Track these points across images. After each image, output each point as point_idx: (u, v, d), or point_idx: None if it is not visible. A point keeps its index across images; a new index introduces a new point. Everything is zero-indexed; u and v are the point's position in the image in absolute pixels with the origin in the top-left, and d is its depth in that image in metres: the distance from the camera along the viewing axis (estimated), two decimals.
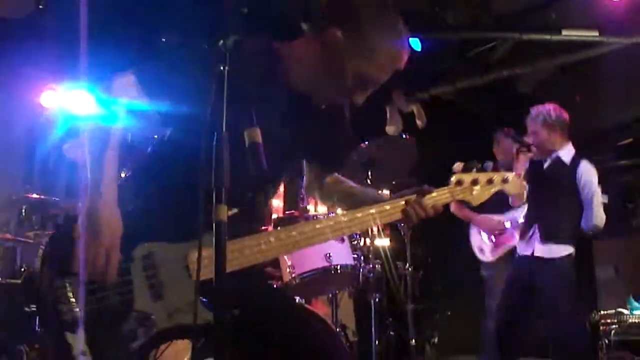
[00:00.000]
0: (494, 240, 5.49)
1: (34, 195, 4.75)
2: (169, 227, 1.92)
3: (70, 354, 1.85)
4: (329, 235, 2.02)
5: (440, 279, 5.72)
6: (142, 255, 1.90)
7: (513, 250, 5.37)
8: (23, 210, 4.72)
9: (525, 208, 5.38)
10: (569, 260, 4.29)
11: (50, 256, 1.94)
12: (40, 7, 5.15)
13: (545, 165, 4.40)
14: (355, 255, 4.01)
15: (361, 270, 4.01)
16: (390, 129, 4.42)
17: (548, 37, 5.87)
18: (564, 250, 4.28)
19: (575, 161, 4.34)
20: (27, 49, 5.42)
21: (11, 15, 5.25)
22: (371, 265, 4.13)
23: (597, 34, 5.87)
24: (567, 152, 4.38)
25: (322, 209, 4.39)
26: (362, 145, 4.19)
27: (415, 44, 5.91)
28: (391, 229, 5.16)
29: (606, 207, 4.37)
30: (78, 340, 1.85)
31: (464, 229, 5.59)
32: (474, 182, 2.15)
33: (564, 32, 5.85)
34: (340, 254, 3.84)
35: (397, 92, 5.20)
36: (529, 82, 6.53)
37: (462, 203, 4.87)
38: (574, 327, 4.23)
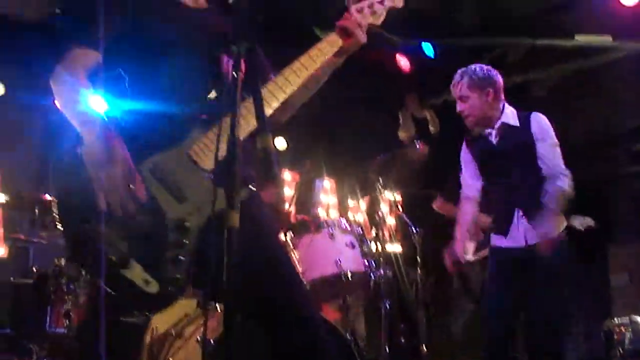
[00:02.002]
0: (477, 239, 5.39)
1: (47, 196, 4.76)
2: (158, 141, 2.01)
3: (135, 288, 1.89)
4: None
5: (451, 285, 5.68)
6: (149, 170, 1.97)
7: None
8: (36, 211, 4.72)
9: None
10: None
11: (67, 210, 1.95)
12: (58, 11, 5.18)
13: (493, 139, 3.75)
14: (366, 261, 4.00)
15: (372, 276, 3.99)
16: (403, 135, 4.41)
17: (561, 42, 5.84)
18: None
19: (524, 118, 3.72)
20: (44, 50, 5.45)
21: (28, 16, 5.29)
22: (382, 271, 4.11)
23: (610, 39, 5.84)
24: (510, 114, 3.75)
25: (334, 213, 4.38)
26: (376, 158, 4.18)
27: (429, 49, 5.91)
28: (403, 235, 5.15)
29: (621, 214, 4.28)
30: (135, 272, 1.89)
31: None
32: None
33: (577, 37, 5.82)
34: (351, 260, 3.82)
35: (411, 97, 5.19)
36: (542, 87, 6.50)
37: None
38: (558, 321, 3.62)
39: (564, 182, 3.59)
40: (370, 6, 2.37)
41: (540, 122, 3.68)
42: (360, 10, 2.35)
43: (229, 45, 1.70)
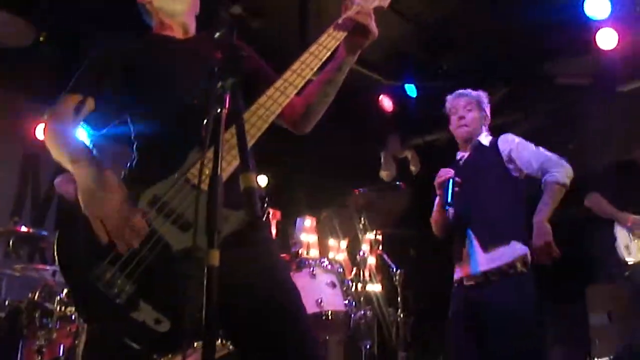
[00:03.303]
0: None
1: (23, 229, 4.68)
2: (154, 172, 1.95)
3: (147, 329, 1.78)
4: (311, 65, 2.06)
5: (432, 325, 5.64)
6: (148, 202, 1.89)
7: None
8: (11, 243, 4.64)
9: None
10: (524, 264, 3.34)
11: (68, 254, 1.88)
12: (41, 39, 5.17)
13: (466, 156, 3.75)
14: (347, 301, 3.98)
15: (352, 316, 3.97)
16: (384, 174, 4.41)
17: (541, 84, 5.93)
18: (517, 250, 3.36)
19: (494, 140, 3.69)
20: (25, 79, 5.42)
21: (11, 44, 5.25)
22: (362, 312, 4.09)
23: (588, 82, 5.94)
24: (485, 136, 3.75)
25: (314, 252, 4.36)
26: (356, 191, 4.16)
27: (411, 90, 5.95)
28: (383, 274, 5.13)
29: (600, 254, 4.26)
30: (145, 312, 1.79)
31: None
32: None
33: (559, 79, 5.91)
34: (332, 300, 3.82)
35: (393, 137, 5.22)
36: (523, 128, 6.57)
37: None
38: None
39: (558, 173, 3.44)
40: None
41: (505, 138, 3.64)
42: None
43: (214, 80, 1.66)
